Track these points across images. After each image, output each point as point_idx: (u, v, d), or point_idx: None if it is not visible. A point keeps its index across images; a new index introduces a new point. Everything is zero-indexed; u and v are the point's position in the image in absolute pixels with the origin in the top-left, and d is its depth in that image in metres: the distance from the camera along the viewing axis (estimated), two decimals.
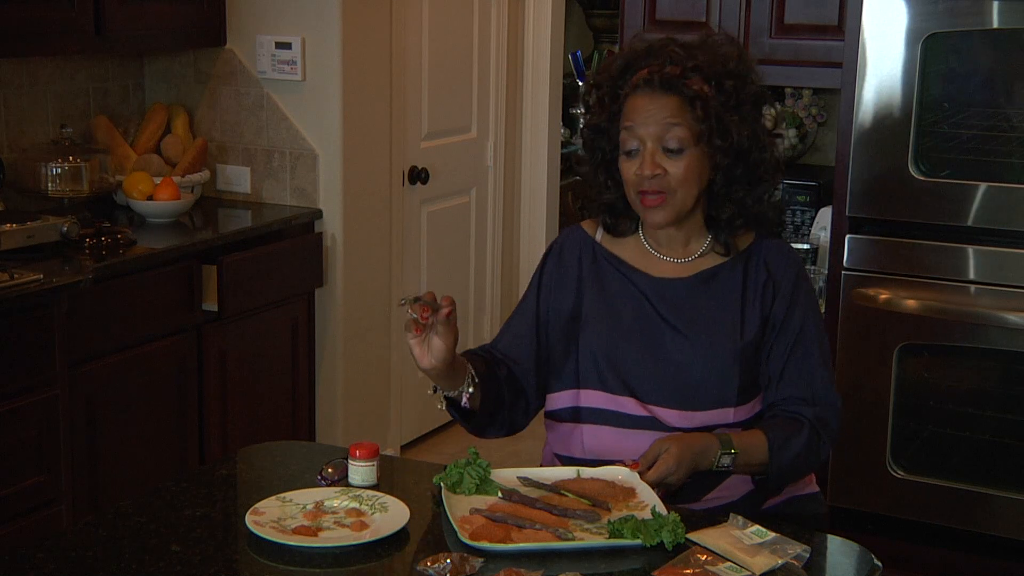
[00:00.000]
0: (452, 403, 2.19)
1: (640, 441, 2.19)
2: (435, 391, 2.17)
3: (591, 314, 2.28)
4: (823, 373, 2.26)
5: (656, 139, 2.17)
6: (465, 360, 2.17)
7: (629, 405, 2.23)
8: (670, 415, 2.21)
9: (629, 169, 2.20)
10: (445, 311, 2.02)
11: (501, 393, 2.25)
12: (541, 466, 2.32)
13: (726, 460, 2.14)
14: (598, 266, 2.31)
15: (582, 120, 6.17)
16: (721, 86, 2.18)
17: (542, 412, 2.37)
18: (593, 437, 2.26)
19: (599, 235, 2.34)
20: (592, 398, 2.26)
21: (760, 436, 2.19)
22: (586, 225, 2.38)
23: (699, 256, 2.28)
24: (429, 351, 2.04)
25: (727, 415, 2.22)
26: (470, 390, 2.16)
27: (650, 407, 2.22)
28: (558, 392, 2.31)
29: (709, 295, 2.25)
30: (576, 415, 2.28)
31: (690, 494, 2.19)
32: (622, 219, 2.30)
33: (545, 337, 2.31)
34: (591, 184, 2.33)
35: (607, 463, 2.17)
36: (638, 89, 2.19)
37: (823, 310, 3.39)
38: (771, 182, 2.27)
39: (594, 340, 2.26)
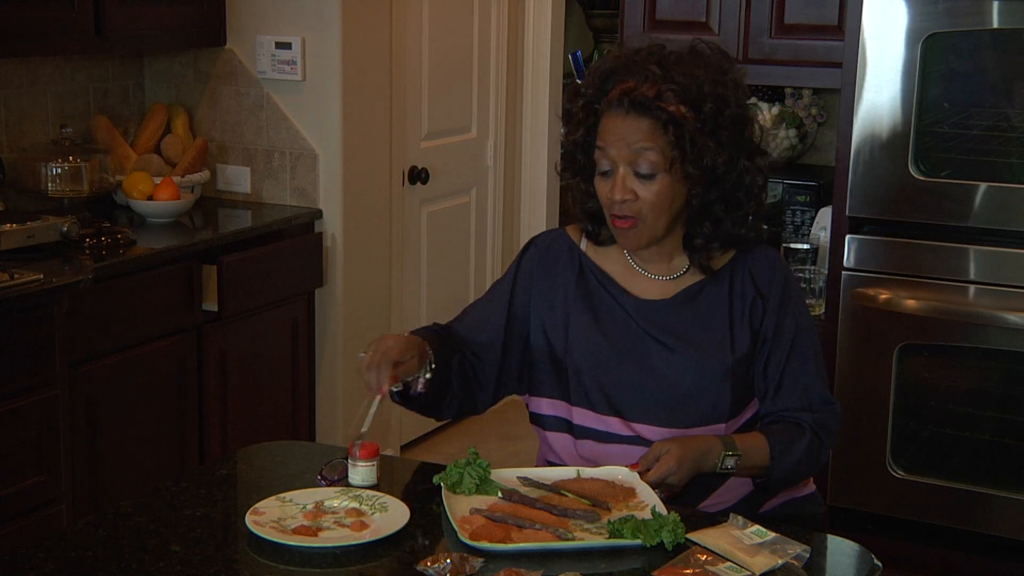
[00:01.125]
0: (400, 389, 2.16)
1: (633, 457, 2.18)
2: None
3: (578, 330, 2.25)
4: (819, 382, 2.25)
5: (628, 163, 2.12)
6: (423, 341, 2.14)
7: (615, 425, 2.22)
8: (658, 434, 2.19)
9: (603, 190, 2.16)
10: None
11: (450, 379, 2.22)
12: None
13: (730, 462, 2.13)
14: (584, 280, 2.28)
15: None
16: (699, 109, 2.11)
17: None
18: (589, 452, 2.25)
19: (584, 243, 2.31)
20: (583, 417, 2.24)
21: (761, 439, 2.18)
22: (571, 231, 2.34)
23: (684, 272, 2.25)
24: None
25: (718, 431, 2.21)
26: (427, 375, 2.14)
27: (636, 426, 2.21)
28: (547, 399, 2.29)
29: (695, 312, 2.22)
30: (570, 429, 2.27)
31: (687, 501, 2.18)
32: (605, 228, 2.26)
33: (516, 331, 2.28)
34: (572, 192, 2.29)
35: None
36: (612, 107, 2.12)
37: (823, 310, 3.40)
38: (754, 204, 2.21)
39: (581, 358, 2.24)
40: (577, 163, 2.23)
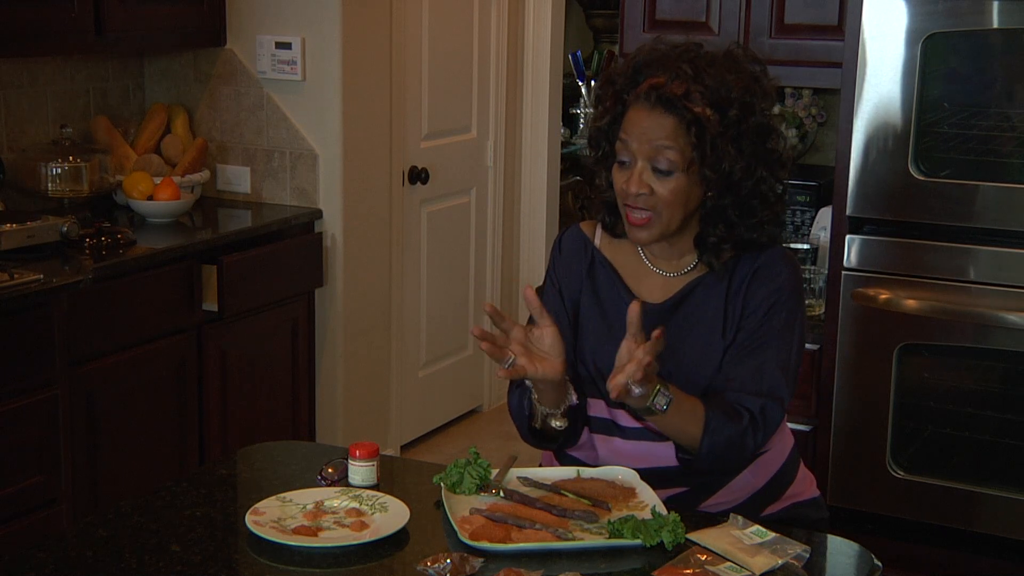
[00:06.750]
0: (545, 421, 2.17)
1: (642, 450, 2.19)
2: (532, 415, 2.17)
3: (587, 322, 2.26)
4: (778, 373, 2.17)
5: (647, 157, 2.12)
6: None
7: (623, 417, 2.22)
8: None
9: (619, 179, 2.17)
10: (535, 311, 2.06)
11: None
12: (541, 466, 2.32)
13: (662, 401, 2.02)
14: (594, 271, 2.29)
15: (582, 115, 6.19)
16: (724, 114, 2.12)
17: None
18: (604, 445, 2.25)
19: (597, 239, 2.32)
20: (596, 407, 2.24)
21: (700, 407, 2.10)
22: (584, 226, 2.36)
23: (691, 268, 2.24)
24: (540, 356, 2.07)
25: None
26: (574, 398, 2.15)
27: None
28: None
29: (686, 320, 2.20)
30: (586, 422, 2.27)
31: (688, 501, 2.18)
32: (620, 220, 2.28)
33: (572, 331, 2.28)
34: (593, 180, 2.32)
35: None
36: (639, 101, 2.14)
37: (823, 310, 3.39)
38: (768, 212, 2.21)
39: (591, 349, 2.24)
40: (601, 149, 2.25)
